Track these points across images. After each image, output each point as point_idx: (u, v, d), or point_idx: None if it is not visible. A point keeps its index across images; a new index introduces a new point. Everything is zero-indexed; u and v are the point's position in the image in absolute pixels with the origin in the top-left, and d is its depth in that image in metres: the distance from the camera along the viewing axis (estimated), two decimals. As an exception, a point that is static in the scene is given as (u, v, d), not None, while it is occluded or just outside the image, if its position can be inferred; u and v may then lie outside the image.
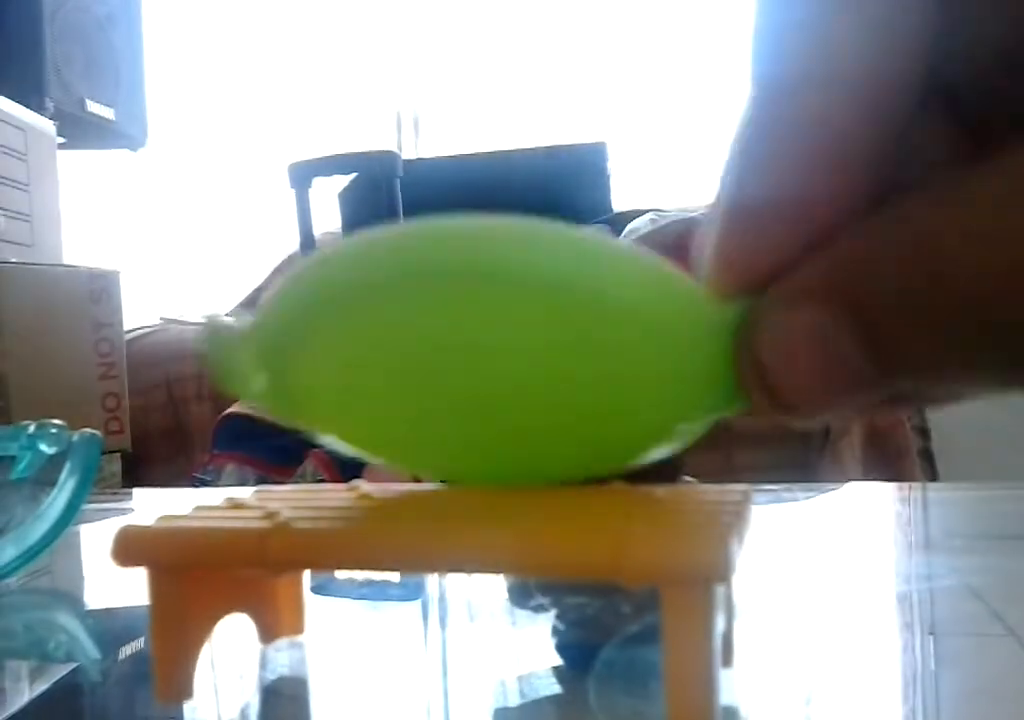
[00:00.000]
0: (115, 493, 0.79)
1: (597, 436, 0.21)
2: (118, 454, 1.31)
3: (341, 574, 0.36)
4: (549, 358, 0.19)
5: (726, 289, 0.18)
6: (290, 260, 1.77)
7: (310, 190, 1.35)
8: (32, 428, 0.37)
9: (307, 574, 0.28)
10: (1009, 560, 0.39)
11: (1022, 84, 0.16)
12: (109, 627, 0.34)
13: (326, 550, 0.21)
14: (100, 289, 1.33)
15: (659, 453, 0.21)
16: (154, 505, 0.66)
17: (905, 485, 0.70)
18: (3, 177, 1.35)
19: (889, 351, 0.16)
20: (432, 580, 0.36)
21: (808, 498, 0.56)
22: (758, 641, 0.27)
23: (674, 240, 1.09)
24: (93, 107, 1.71)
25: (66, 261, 1.48)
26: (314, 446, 1.14)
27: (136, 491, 0.77)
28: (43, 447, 0.37)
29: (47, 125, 1.51)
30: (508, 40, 2.22)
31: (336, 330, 0.20)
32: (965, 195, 0.15)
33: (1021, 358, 0.15)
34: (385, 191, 1.22)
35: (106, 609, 0.36)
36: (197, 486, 1.16)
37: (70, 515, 0.37)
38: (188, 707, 0.23)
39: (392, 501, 0.23)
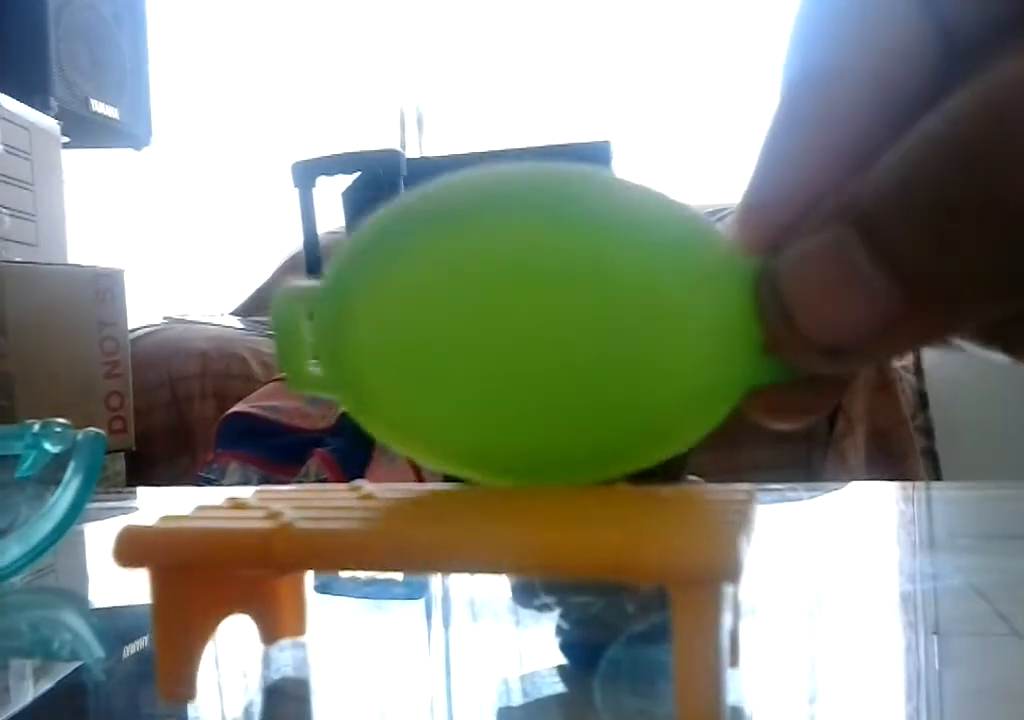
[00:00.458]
0: (119, 492, 0.79)
1: (633, 399, 0.20)
2: (122, 453, 1.32)
3: (344, 573, 0.36)
4: (587, 302, 0.20)
5: (751, 240, 0.18)
6: (293, 259, 1.77)
7: (314, 189, 1.36)
8: (37, 427, 0.37)
9: (310, 574, 0.28)
10: (1013, 560, 0.39)
11: None
12: (113, 626, 0.34)
13: (332, 551, 0.21)
14: (104, 288, 1.33)
15: (692, 430, 0.21)
16: (158, 504, 0.66)
17: (909, 484, 0.70)
18: (8, 176, 1.35)
19: (909, 267, 0.16)
20: (436, 579, 0.36)
21: (812, 497, 0.56)
22: (763, 640, 0.27)
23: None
24: (97, 106, 1.71)
25: (71, 260, 1.48)
26: (317, 445, 1.14)
27: (140, 490, 0.78)
28: (48, 446, 0.37)
29: (51, 124, 1.51)
30: (512, 38, 2.22)
31: (412, 273, 0.21)
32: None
33: None
34: (389, 190, 1.22)
35: (110, 608, 0.36)
36: (201, 485, 1.17)
37: (74, 514, 0.37)
38: (192, 707, 0.23)
39: (396, 501, 0.23)
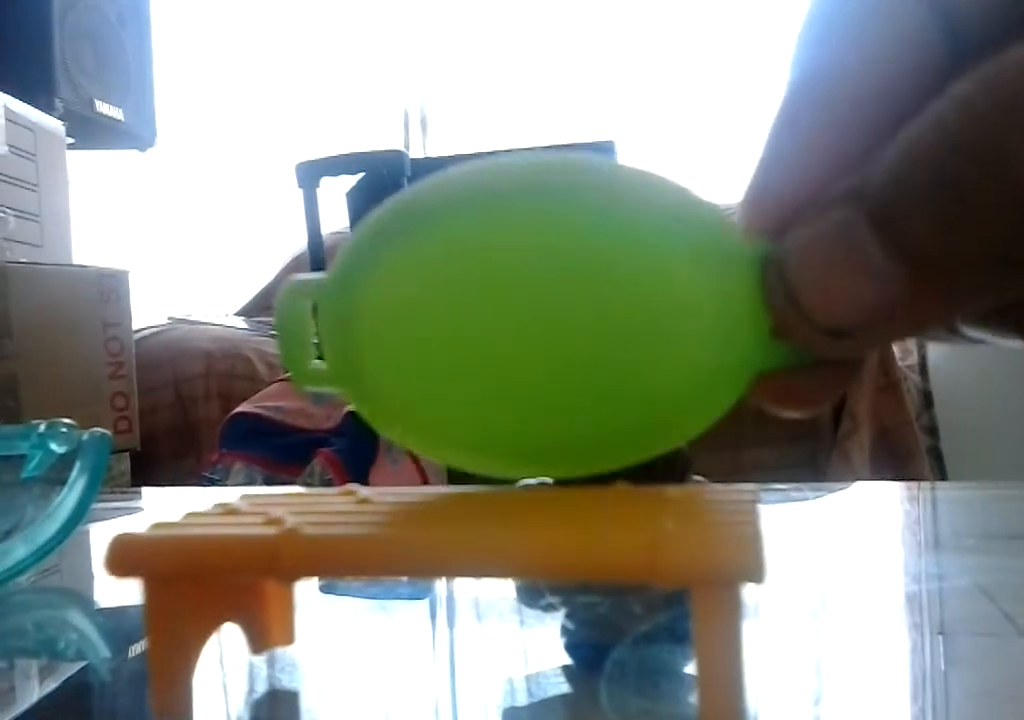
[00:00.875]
0: (124, 492, 0.79)
1: (640, 387, 0.20)
2: (127, 453, 1.32)
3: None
4: (591, 285, 0.20)
5: (757, 225, 0.19)
6: (298, 260, 1.78)
7: (318, 190, 1.36)
8: (43, 427, 0.37)
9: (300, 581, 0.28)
10: (1019, 560, 0.39)
11: None
12: (118, 626, 0.34)
13: (342, 558, 0.20)
14: (109, 289, 1.33)
15: (699, 418, 0.20)
16: (163, 504, 0.66)
17: (914, 484, 0.70)
18: (12, 177, 1.35)
19: (916, 249, 0.16)
20: (440, 580, 0.36)
21: (816, 497, 0.56)
22: (768, 641, 0.27)
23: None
24: (102, 107, 1.71)
25: (75, 261, 1.48)
26: (322, 445, 1.14)
27: (145, 490, 0.78)
28: (53, 446, 0.37)
29: (56, 125, 1.51)
30: (516, 38, 2.22)
31: (418, 264, 0.21)
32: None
33: None
34: (393, 190, 1.22)
35: (115, 608, 0.36)
36: (205, 485, 1.17)
37: (80, 514, 0.37)
38: (198, 706, 0.23)
39: (399, 506, 0.23)
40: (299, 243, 1.57)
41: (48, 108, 1.53)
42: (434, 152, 2.23)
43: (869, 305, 0.16)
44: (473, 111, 2.25)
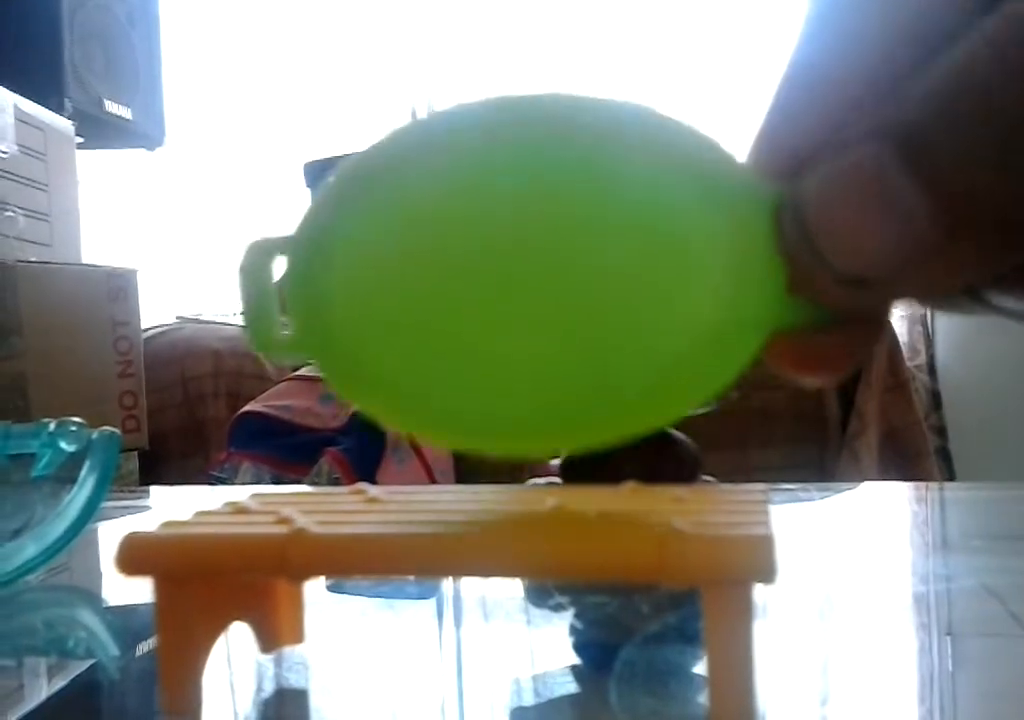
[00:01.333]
0: (133, 491, 0.80)
1: (643, 346, 0.18)
2: (135, 452, 1.32)
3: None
4: (599, 230, 0.18)
5: (769, 167, 0.17)
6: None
7: (326, 189, 1.35)
8: (52, 426, 0.37)
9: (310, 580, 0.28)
10: (1028, 561, 0.38)
11: None
12: (127, 624, 0.34)
13: (350, 557, 0.20)
14: (118, 288, 1.34)
15: (708, 381, 0.18)
16: (171, 503, 0.66)
17: (922, 485, 0.70)
18: (22, 177, 1.36)
19: (950, 187, 0.14)
20: (448, 578, 0.36)
21: (824, 498, 0.56)
22: (775, 641, 0.27)
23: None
24: (111, 107, 1.72)
25: (84, 260, 1.48)
26: (330, 444, 1.14)
27: (153, 489, 0.78)
28: (63, 445, 0.37)
29: (66, 125, 1.52)
30: (521, 37, 2.22)
31: (392, 215, 0.19)
32: None
33: None
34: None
35: (124, 606, 0.37)
36: (213, 484, 1.17)
37: (89, 513, 0.37)
38: (207, 704, 0.23)
39: (408, 505, 0.23)
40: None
41: (58, 108, 1.53)
42: (442, 151, 2.23)
43: (896, 249, 0.15)
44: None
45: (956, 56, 0.14)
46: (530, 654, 0.28)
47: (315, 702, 0.25)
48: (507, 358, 0.18)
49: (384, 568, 0.21)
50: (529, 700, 0.24)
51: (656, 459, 0.31)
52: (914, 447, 1.31)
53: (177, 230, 2.23)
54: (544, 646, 0.29)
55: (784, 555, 0.18)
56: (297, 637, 0.25)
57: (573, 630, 0.29)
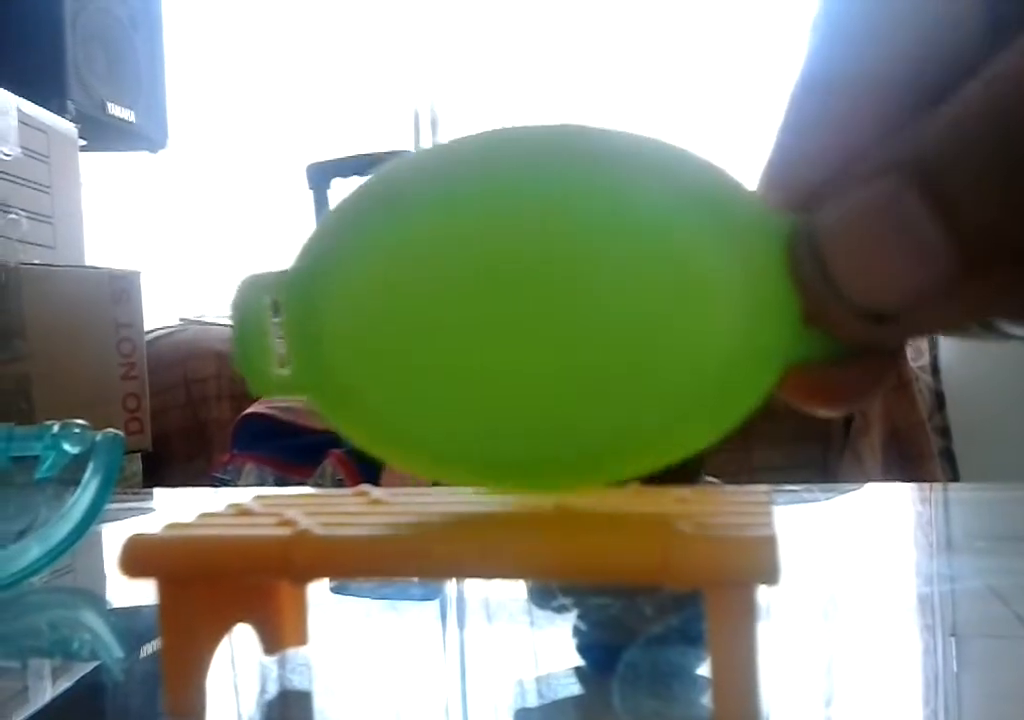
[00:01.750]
0: (136, 493, 0.80)
1: (652, 382, 0.17)
2: (139, 454, 1.32)
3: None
4: (610, 266, 0.17)
5: (781, 199, 0.17)
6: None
7: (328, 191, 1.36)
8: (56, 428, 0.37)
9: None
10: (1032, 562, 0.38)
11: None
12: (131, 626, 0.34)
13: (353, 559, 0.20)
14: (121, 290, 1.34)
15: (721, 417, 0.18)
16: (175, 505, 0.66)
17: (926, 486, 0.70)
18: (25, 179, 1.36)
19: (970, 224, 0.14)
20: (452, 580, 0.36)
21: (828, 499, 0.56)
22: (779, 642, 0.27)
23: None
24: (114, 109, 1.72)
25: (88, 262, 1.48)
26: (333, 446, 1.14)
27: (157, 491, 0.78)
28: (67, 447, 0.37)
29: (69, 127, 1.52)
30: (526, 39, 2.22)
31: (390, 248, 0.18)
32: None
33: None
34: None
35: (129, 608, 0.37)
36: (216, 486, 1.17)
37: (93, 515, 0.37)
38: (211, 706, 0.23)
39: (412, 507, 0.23)
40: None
41: (60, 110, 1.53)
42: (444, 153, 2.23)
43: (915, 285, 0.15)
44: (483, 111, 2.26)
45: (975, 89, 0.14)
46: (533, 656, 0.28)
47: (319, 704, 0.25)
48: (511, 395, 0.18)
49: (387, 570, 0.21)
50: (533, 702, 0.24)
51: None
52: (917, 448, 1.31)
53: (180, 232, 2.24)
54: (547, 648, 0.29)
55: (788, 556, 0.18)
56: (301, 639, 0.26)
57: (576, 632, 0.29)
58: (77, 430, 0.38)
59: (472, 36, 2.27)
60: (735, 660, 0.18)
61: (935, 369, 1.97)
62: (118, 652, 0.31)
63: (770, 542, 0.18)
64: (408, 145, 2.12)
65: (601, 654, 0.28)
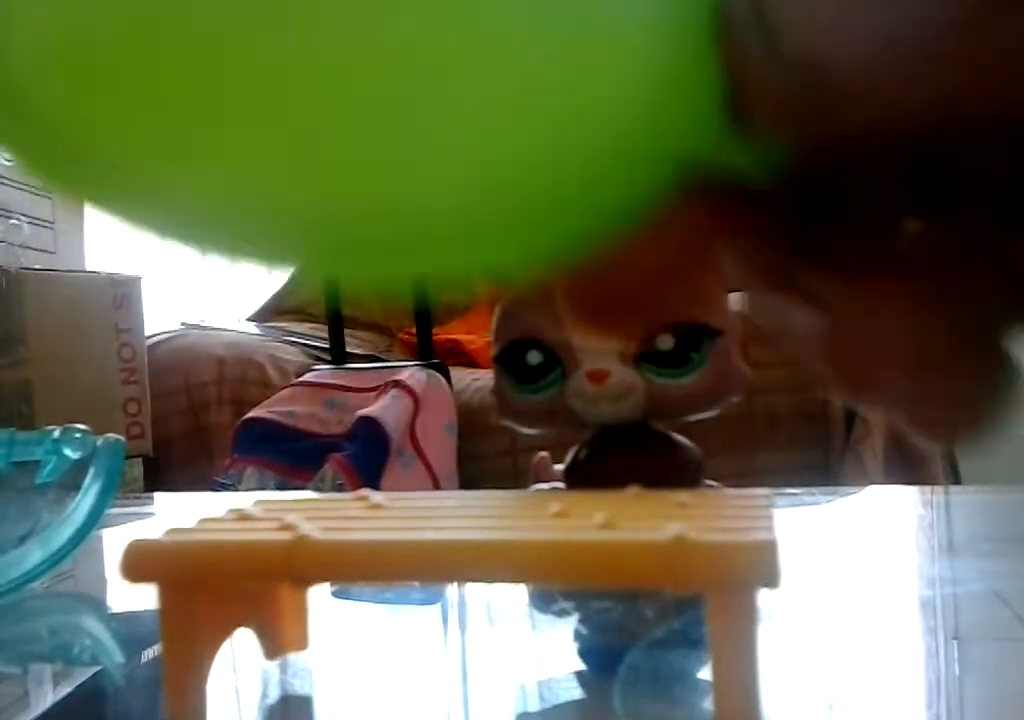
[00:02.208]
0: (137, 498, 0.80)
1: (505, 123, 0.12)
2: (140, 459, 1.32)
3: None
4: None
5: None
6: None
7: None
8: (57, 433, 0.37)
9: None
10: (1034, 564, 0.38)
11: None
12: (132, 630, 0.34)
13: (354, 563, 0.20)
14: (122, 295, 1.34)
15: (600, 211, 0.12)
16: (176, 509, 0.66)
17: (927, 488, 0.70)
18: (26, 185, 1.36)
19: None
20: (452, 584, 0.36)
21: (829, 501, 0.56)
22: (781, 646, 0.27)
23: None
24: (114, 114, 1.72)
25: (89, 267, 1.49)
26: (334, 450, 1.14)
27: (158, 495, 0.78)
28: (68, 452, 0.37)
29: (69, 132, 1.52)
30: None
31: None
32: None
33: None
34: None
35: (130, 613, 0.37)
36: (218, 490, 1.17)
37: (94, 519, 0.37)
38: (212, 711, 0.23)
39: (410, 510, 0.23)
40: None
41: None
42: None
43: (893, 46, 0.10)
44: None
45: None
46: (535, 659, 0.28)
47: (320, 708, 0.25)
48: (313, 128, 0.11)
49: (388, 574, 0.21)
50: (534, 705, 0.24)
51: (659, 464, 0.31)
52: (919, 451, 1.30)
53: (181, 247, 2.24)
54: (549, 651, 0.29)
55: (789, 559, 0.18)
56: (301, 643, 0.26)
57: (578, 635, 0.29)
58: (78, 435, 0.38)
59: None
60: (736, 663, 0.18)
61: (936, 372, 1.96)
62: (119, 657, 0.31)
63: (770, 546, 0.18)
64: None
65: (602, 658, 0.28)
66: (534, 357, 0.30)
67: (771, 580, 0.17)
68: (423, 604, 0.35)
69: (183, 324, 1.67)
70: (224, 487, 1.18)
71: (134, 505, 0.64)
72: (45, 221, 1.41)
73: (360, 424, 1.13)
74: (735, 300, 0.29)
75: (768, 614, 0.24)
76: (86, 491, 0.37)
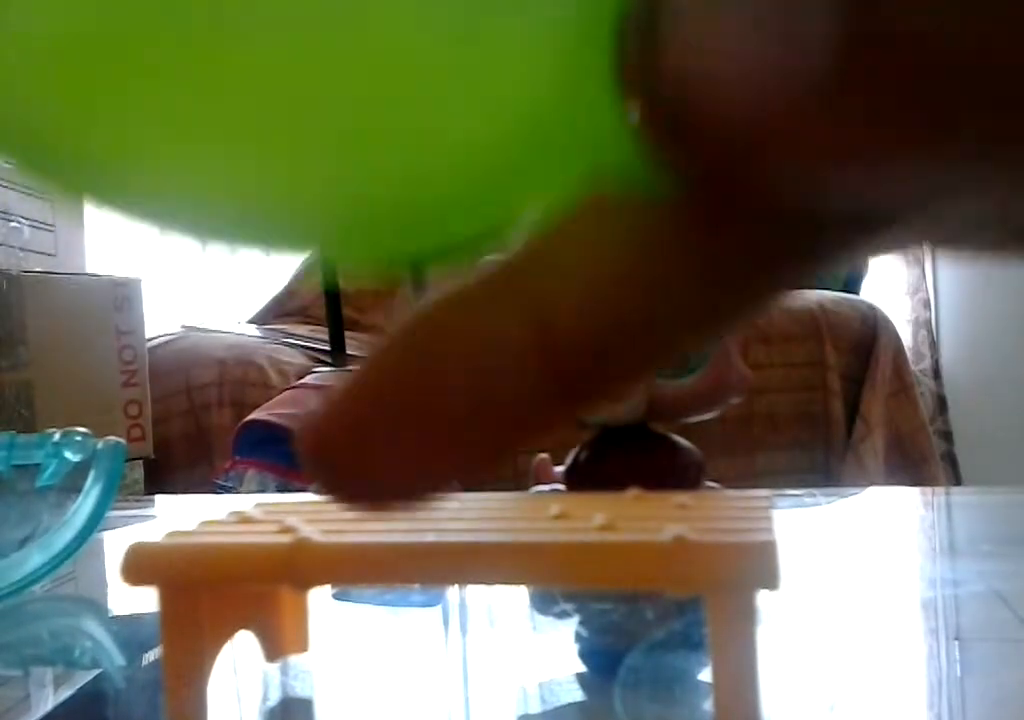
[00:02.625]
0: (138, 500, 0.80)
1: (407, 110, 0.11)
2: (140, 461, 1.32)
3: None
4: None
5: None
6: (308, 268, 1.78)
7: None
8: (57, 436, 0.37)
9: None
10: (1035, 565, 0.38)
11: None
12: (133, 633, 0.34)
13: (355, 566, 0.20)
14: (123, 297, 1.34)
15: (491, 195, 0.12)
16: (177, 512, 0.66)
17: (928, 489, 0.70)
18: (26, 187, 1.36)
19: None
20: (453, 586, 0.36)
21: (830, 502, 0.56)
22: (782, 647, 0.27)
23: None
24: (115, 117, 1.72)
25: (89, 270, 1.49)
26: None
27: (158, 498, 0.78)
28: (68, 455, 0.37)
29: (70, 135, 1.52)
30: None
31: None
32: None
33: None
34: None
35: (130, 616, 0.37)
36: (219, 492, 1.17)
37: (95, 522, 0.37)
38: (213, 714, 0.23)
39: (410, 512, 0.23)
40: (311, 251, 1.57)
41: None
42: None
43: (785, 85, 0.09)
44: None
45: None
46: (535, 661, 0.28)
47: (321, 710, 0.25)
48: (248, 108, 0.11)
49: (389, 576, 0.21)
50: (535, 707, 0.24)
51: (659, 465, 0.31)
52: (920, 451, 1.30)
53: (181, 239, 2.24)
54: (549, 653, 0.29)
55: (789, 560, 0.18)
56: (302, 645, 0.26)
57: (578, 637, 0.29)
58: (79, 438, 0.38)
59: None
60: (736, 665, 0.18)
61: (937, 373, 1.97)
62: (120, 660, 0.31)
63: (770, 547, 0.18)
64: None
65: (603, 659, 0.28)
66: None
67: (771, 581, 0.17)
68: (424, 606, 0.35)
69: (184, 326, 1.67)
70: (225, 489, 1.18)
71: (135, 508, 0.64)
72: (45, 224, 1.41)
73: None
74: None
75: (768, 615, 0.24)
76: (87, 494, 0.37)
